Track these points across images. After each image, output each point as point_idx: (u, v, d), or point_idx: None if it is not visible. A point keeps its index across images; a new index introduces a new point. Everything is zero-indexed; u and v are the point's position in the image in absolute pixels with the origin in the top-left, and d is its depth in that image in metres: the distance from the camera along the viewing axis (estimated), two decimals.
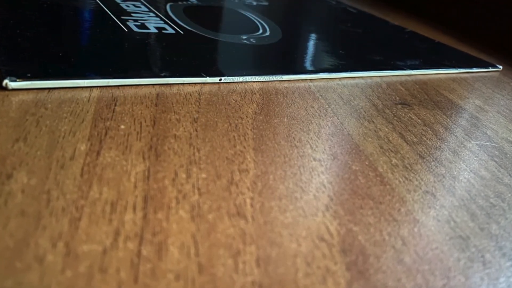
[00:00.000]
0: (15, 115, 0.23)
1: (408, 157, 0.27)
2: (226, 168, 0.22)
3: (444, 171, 0.26)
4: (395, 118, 0.32)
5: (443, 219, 0.22)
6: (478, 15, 0.68)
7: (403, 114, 0.33)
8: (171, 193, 0.19)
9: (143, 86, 0.29)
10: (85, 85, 0.27)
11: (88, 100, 0.26)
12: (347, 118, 0.31)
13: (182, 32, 0.40)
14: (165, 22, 0.42)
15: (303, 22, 0.55)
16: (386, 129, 0.30)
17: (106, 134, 0.23)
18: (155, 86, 0.29)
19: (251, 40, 0.42)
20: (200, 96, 0.29)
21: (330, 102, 0.33)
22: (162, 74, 0.30)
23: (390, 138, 0.29)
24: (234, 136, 0.25)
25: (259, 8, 0.57)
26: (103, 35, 0.35)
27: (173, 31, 0.40)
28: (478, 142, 0.31)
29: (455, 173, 0.26)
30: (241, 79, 0.33)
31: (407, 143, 0.29)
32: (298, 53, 0.41)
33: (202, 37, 0.40)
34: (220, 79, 0.32)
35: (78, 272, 0.15)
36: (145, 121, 0.25)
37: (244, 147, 0.24)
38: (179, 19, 0.44)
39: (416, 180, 0.25)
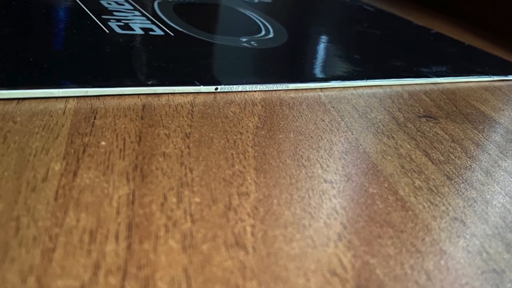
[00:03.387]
0: None
1: (433, 179, 0.27)
2: (223, 191, 0.22)
3: (476, 195, 0.26)
4: (418, 133, 0.33)
5: (474, 250, 0.22)
6: None
7: (428, 129, 0.33)
8: (160, 220, 0.20)
9: (127, 96, 0.29)
10: (60, 95, 0.28)
11: (64, 113, 0.26)
12: (363, 133, 0.31)
13: (172, 34, 0.40)
14: (153, 22, 0.42)
15: (312, 22, 0.56)
16: (408, 146, 0.30)
17: (84, 151, 0.23)
18: (140, 96, 0.30)
19: (252, 43, 0.42)
20: (193, 107, 0.30)
21: (343, 114, 0.33)
22: (149, 83, 0.30)
23: (413, 157, 0.29)
24: (232, 154, 0.26)
25: (261, 6, 0.58)
26: (81, 37, 0.35)
27: (161, 33, 0.40)
28: None
29: (488, 197, 0.27)
30: (240, 88, 0.33)
31: (433, 162, 0.29)
32: (306, 58, 0.42)
33: (195, 40, 0.40)
34: (216, 88, 0.32)
35: None
36: (130, 137, 0.25)
37: (244, 167, 0.25)
38: (168, 19, 0.44)
39: (443, 205, 0.25)
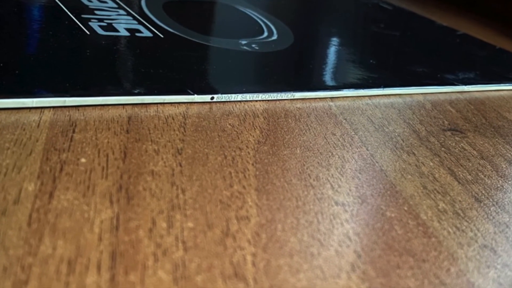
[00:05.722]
0: None
1: (460, 201, 0.27)
2: (220, 214, 0.23)
3: (508, 219, 0.27)
4: (443, 149, 0.33)
5: (506, 282, 0.22)
6: None
7: (454, 144, 0.34)
8: (147, 248, 0.20)
9: (110, 107, 0.30)
10: (34, 105, 0.28)
11: (38, 125, 0.26)
12: (379, 149, 0.31)
13: (161, 36, 0.41)
14: (140, 23, 0.43)
15: (322, 23, 0.56)
16: (431, 164, 0.31)
17: (61, 170, 0.23)
18: (126, 106, 0.30)
19: (253, 45, 0.43)
20: (185, 119, 0.30)
21: (357, 127, 0.33)
22: (136, 91, 0.30)
23: (437, 176, 0.29)
24: (230, 173, 0.26)
25: (264, 4, 0.58)
26: (58, 39, 0.36)
27: (150, 34, 0.40)
28: None
29: None
30: (239, 97, 0.33)
31: (459, 182, 0.29)
32: (314, 63, 0.42)
33: (188, 42, 0.40)
34: (212, 98, 0.32)
35: None
36: (113, 153, 0.25)
37: (244, 187, 0.25)
38: (157, 19, 0.45)
39: (471, 230, 0.25)
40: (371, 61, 0.45)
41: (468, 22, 0.73)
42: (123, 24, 0.41)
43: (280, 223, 0.23)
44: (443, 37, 0.59)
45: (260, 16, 0.52)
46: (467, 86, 0.44)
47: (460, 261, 0.23)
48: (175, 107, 0.31)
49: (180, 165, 0.25)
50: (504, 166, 0.32)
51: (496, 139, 0.36)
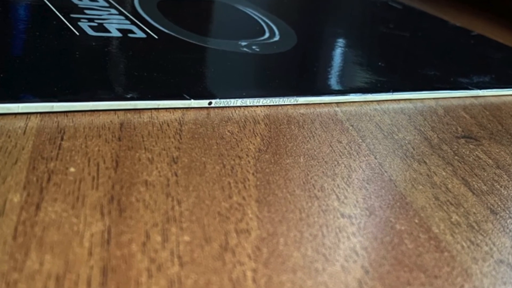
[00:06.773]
0: None
1: (474, 213, 0.27)
2: (218, 227, 0.23)
3: None
4: (456, 157, 0.33)
5: None
6: None
7: (468, 152, 0.34)
8: (141, 263, 0.20)
9: (101, 113, 0.30)
10: (20, 111, 0.28)
11: (24, 132, 0.26)
12: (388, 158, 0.31)
13: (156, 37, 0.41)
14: (133, 23, 0.43)
15: (327, 23, 0.56)
16: (444, 173, 0.31)
17: (49, 180, 0.23)
18: (118, 112, 0.30)
19: (254, 47, 0.43)
20: (181, 126, 0.30)
21: (364, 134, 0.33)
22: (128, 96, 0.30)
23: (449, 186, 0.29)
24: (229, 183, 0.26)
25: (265, 3, 0.58)
26: (45, 40, 0.36)
27: (143, 35, 0.40)
28: None
29: None
30: (239, 102, 0.34)
31: (473, 193, 0.29)
32: (319, 66, 0.42)
33: (184, 44, 0.41)
34: (210, 103, 0.32)
35: None
36: (104, 162, 0.25)
37: (244, 198, 0.25)
38: (152, 18, 0.45)
39: (486, 244, 0.25)
40: (379, 63, 0.45)
41: (483, 22, 0.73)
42: (115, 24, 0.41)
43: (282, 236, 0.23)
44: (456, 38, 0.60)
45: (261, 16, 0.53)
46: (482, 90, 0.44)
47: (475, 277, 0.23)
48: (170, 112, 0.31)
49: (176, 175, 0.25)
50: None
51: None
